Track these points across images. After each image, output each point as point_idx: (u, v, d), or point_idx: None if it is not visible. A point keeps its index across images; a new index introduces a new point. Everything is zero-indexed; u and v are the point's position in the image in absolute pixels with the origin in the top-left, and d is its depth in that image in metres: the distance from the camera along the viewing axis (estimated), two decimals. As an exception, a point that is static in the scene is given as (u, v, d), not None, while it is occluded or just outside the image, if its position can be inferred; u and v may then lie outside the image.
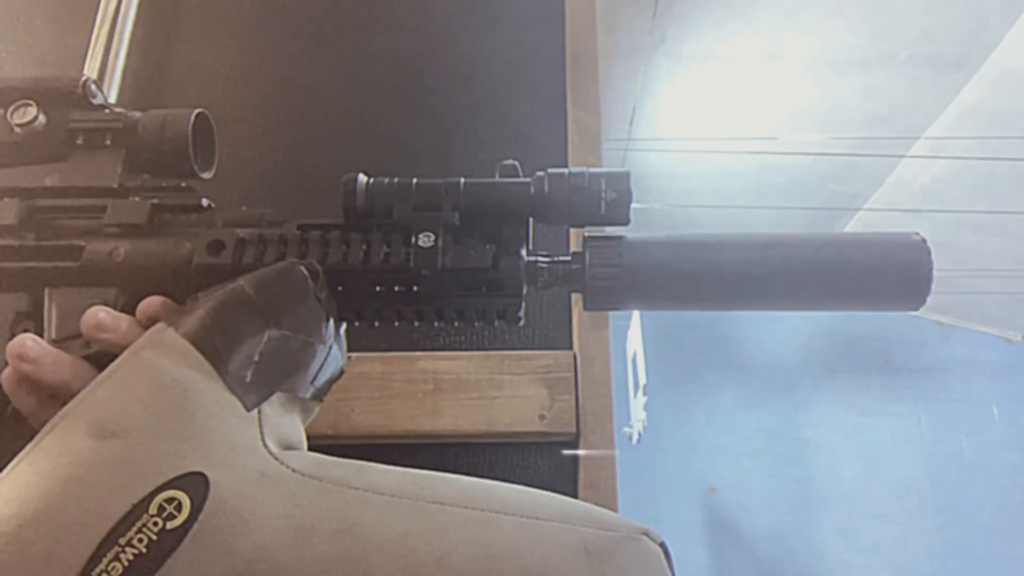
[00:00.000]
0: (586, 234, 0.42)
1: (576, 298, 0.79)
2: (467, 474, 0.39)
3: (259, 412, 0.38)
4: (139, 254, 0.43)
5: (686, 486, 3.34)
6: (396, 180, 0.41)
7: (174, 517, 0.33)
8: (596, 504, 0.40)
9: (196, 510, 0.33)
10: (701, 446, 3.40)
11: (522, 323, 0.43)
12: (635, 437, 2.67)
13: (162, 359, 0.38)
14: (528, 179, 0.42)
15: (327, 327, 0.43)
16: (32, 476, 0.34)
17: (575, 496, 0.72)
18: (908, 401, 3.48)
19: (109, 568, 0.31)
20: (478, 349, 0.77)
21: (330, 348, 0.43)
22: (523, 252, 0.41)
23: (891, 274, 0.38)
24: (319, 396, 0.43)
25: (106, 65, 0.88)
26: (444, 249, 0.40)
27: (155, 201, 0.45)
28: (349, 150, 0.87)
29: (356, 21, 0.94)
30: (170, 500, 0.33)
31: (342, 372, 0.45)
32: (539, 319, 0.79)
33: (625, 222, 0.40)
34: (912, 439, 3.42)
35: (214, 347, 0.38)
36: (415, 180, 0.41)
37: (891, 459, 3.38)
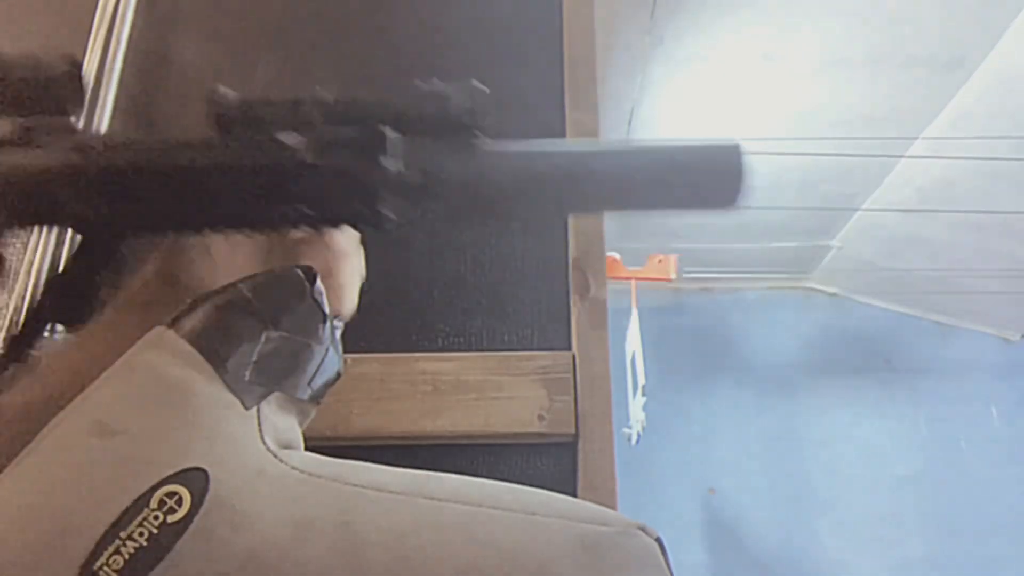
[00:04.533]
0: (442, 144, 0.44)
1: (576, 298, 0.79)
2: (466, 475, 0.39)
3: (258, 411, 0.39)
4: (14, 165, 0.43)
5: (685, 486, 3.35)
6: (265, 94, 0.43)
7: (175, 511, 0.33)
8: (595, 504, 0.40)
9: (196, 504, 0.34)
10: (700, 446, 3.41)
11: (388, 228, 0.43)
12: (634, 438, 2.67)
13: (162, 360, 0.39)
14: (387, 93, 0.44)
15: (324, 328, 0.43)
16: (34, 473, 0.35)
17: (575, 497, 0.72)
18: (907, 401, 3.48)
19: (110, 561, 0.32)
20: (477, 350, 0.77)
21: (327, 350, 0.43)
22: (384, 160, 0.42)
23: (709, 175, 0.42)
24: (316, 398, 0.44)
25: (104, 65, 0.88)
26: (307, 148, 0.41)
27: (25, 123, 0.44)
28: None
29: (353, 22, 0.94)
30: (171, 494, 0.34)
31: (339, 375, 0.46)
32: (538, 319, 0.79)
33: (479, 132, 0.42)
34: (911, 439, 3.42)
35: (213, 348, 0.39)
36: (281, 94, 0.43)
37: (890, 459, 3.39)
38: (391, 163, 0.42)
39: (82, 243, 0.45)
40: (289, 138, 0.41)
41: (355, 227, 0.44)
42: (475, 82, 0.42)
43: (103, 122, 0.83)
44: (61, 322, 0.45)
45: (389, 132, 0.42)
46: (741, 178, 0.41)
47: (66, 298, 0.45)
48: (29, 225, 0.44)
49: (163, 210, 0.42)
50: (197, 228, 0.43)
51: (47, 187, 0.42)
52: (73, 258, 0.45)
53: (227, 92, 0.42)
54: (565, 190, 0.42)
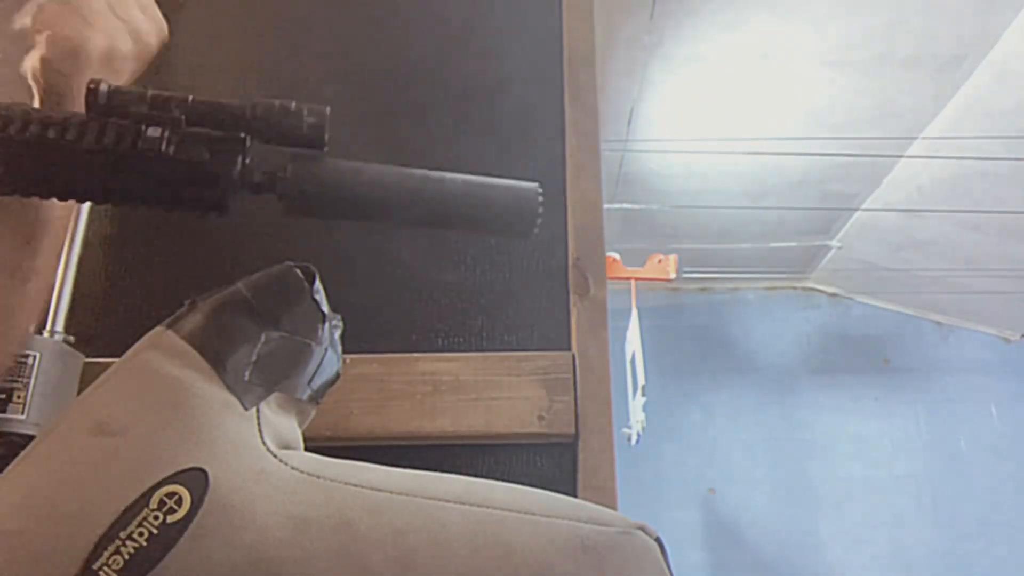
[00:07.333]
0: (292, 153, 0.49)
1: (575, 299, 0.79)
2: (466, 475, 0.39)
3: (257, 411, 0.39)
4: None
5: (685, 486, 3.35)
6: (133, 88, 0.47)
7: (174, 511, 0.33)
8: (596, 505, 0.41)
9: (196, 504, 0.34)
10: (700, 446, 3.41)
11: (231, 214, 0.48)
12: (634, 438, 2.67)
13: (162, 360, 0.39)
14: (244, 103, 0.48)
15: (323, 328, 0.43)
16: (35, 473, 0.35)
17: (575, 497, 0.72)
18: (906, 401, 3.48)
19: (110, 561, 0.32)
20: (477, 350, 0.77)
21: (326, 350, 0.44)
22: (238, 158, 0.48)
23: (512, 210, 0.51)
24: (315, 398, 0.44)
25: (104, 68, 0.88)
26: (169, 141, 0.46)
27: None
28: (348, 147, 0.87)
29: (354, 22, 0.94)
30: (170, 495, 0.34)
31: (338, 375, 0.46)
32: (537, 320, 0.79)
33: (321, 146, 0.47)
34: (910, 438, 3.43)
35: (212, 348, 0.39)
36: (149, 91, 0.47)
37: (889, 458, 3.39)
38: (243, 163, 0.47)
39: None
40: (152, 131, 0.45)
41: (202, 213, 0.48)
42: (325, 107, 0.48)
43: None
44: None
45: (245, 137, 0.48)
46: (537, 215, 0.50)
47: None
48: None
49: (31, 176, 0.46)
50: (65, 196, 0.47)
51: None
52: None
53: (101, 82, 0.46)
54: (389, 207, 0.49)
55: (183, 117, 0.46)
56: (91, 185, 0.47)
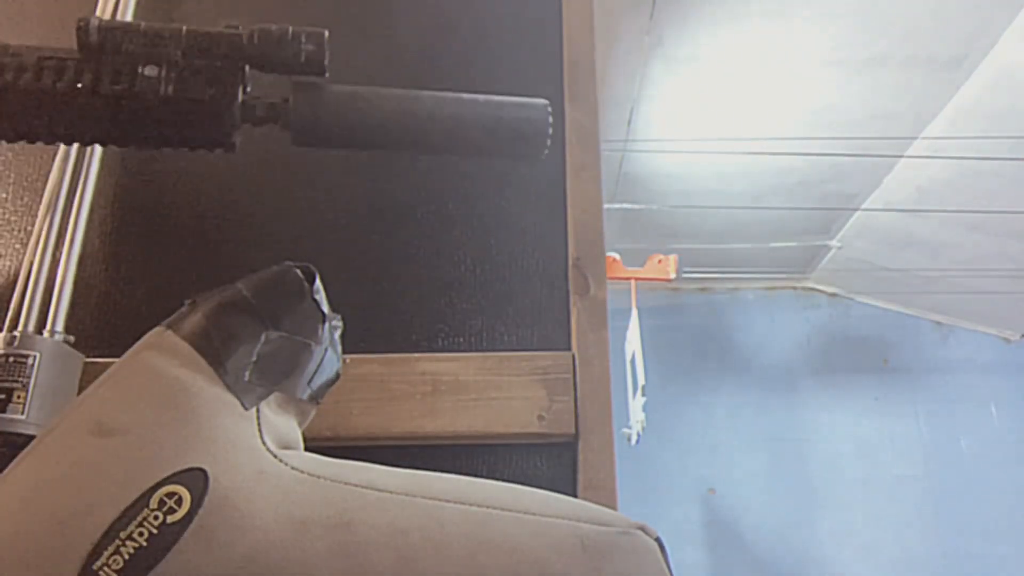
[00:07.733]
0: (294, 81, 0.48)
1: (575, 298, 0.79)
2: (466, 475, 0.39)
3: (257, 411, 0.39)
4: None
5: (685, 486, 3.35)
6: (126, 22, 0.46)
7: (174, 511, 0.33)
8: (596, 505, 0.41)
9: (196, 504, 0.34)
10: (700, 446, 3.41)
11: (236, 150, 0.46)
12: (634, 438, 2.67)
13: (162, 360, 0.39)
14: (241, 31, 0.47)
15: (323, 328, 0.43)
16: (35, 473, 0.35)
17: (575, 497, 0.72)
18: (906, 401, 3.48)
19: (110, 561, 0.32)
20: (476, 350, 0.77)
21: (326, 350, 0.44)
22: (238, 91, 0.46)
23: (518, 128, 0.49)
24: (315, 398, 0.44)
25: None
26: (167, 80, 0.44)
27: None
28: (347, 152, 0.87)
29: (351, 22, 0.94)
30: (170, 495, 0.34)
31: (338, 375, 0.46)
32: (538, 320, 0.79)
33: (321, 72, 0.46)
34: (910, 439, 3.42)
35: (213, 348, 0.39)
36: (142, 24, 0.45)
37: (889, 459, 3.39)
38: (244, 95, 0.46)
39: None
40: (149, 70, 0.44)
41: (208, 150, 0.47)
42: (323, 31, 0.47)
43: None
44: None
45: (244, 67, 0.46)
46: (547, 134, 0.48)
47: None
48: None
49: (31, 124, 0.44)
50: (67, 141, 0.46)
51: None
52: None
53: (92, 20, 0.45)
54: (396, 129, 0.47)
55: (180, 53, 0.45)
56: (91, 128, 0.45)
